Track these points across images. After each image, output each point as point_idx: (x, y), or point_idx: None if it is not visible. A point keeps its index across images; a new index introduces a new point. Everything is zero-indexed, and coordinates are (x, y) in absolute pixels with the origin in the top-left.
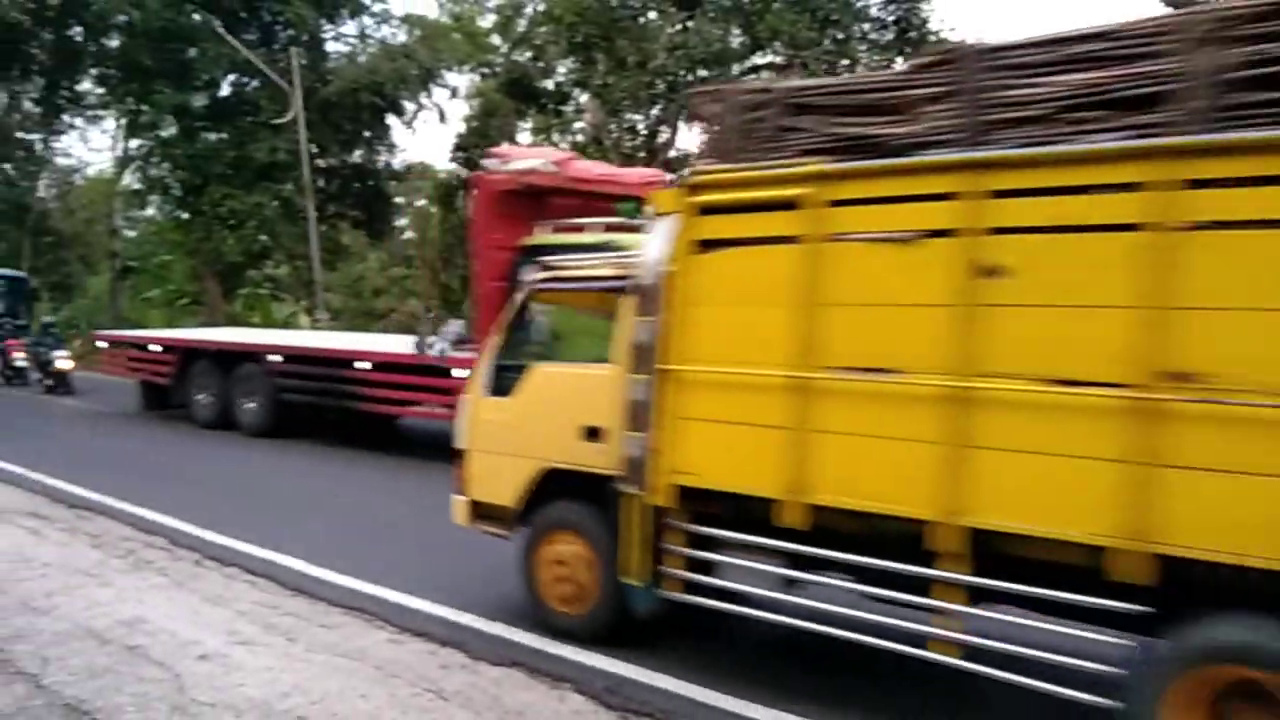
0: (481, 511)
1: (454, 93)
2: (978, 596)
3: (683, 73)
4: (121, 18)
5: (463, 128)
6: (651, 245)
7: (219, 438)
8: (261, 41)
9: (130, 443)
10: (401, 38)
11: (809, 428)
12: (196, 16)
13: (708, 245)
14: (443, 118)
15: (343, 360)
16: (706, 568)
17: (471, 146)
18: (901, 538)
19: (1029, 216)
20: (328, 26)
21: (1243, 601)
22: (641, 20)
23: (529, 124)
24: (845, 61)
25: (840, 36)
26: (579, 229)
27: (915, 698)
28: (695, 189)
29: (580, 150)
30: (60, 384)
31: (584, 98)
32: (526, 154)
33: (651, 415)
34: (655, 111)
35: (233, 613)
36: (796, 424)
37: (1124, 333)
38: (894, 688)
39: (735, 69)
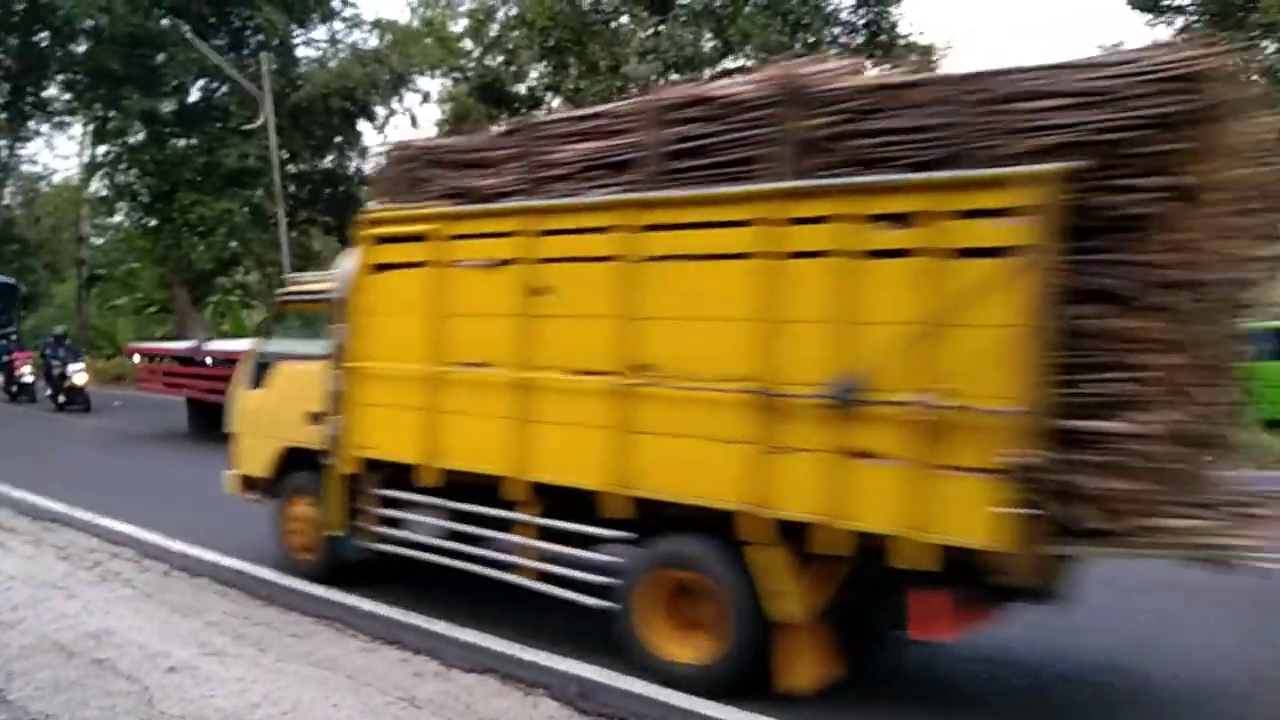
0: (248, 483)
1: (426, 97)
2: (543, 532)
3: (655, 76)
4: (89, 22)
5: (435, 132)
6: (345, 267)
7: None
8: (231, 47)
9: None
10: (373, 42)
11: (438, 409)
12: (165, 21)
13: (377, 268)
14: (414, 123)
15: None
16: (395, 522)
17: None
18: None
19: (560, 250)
20: (298, 31)
21: (682, 527)
22: (613, 24)
23: (501, 128)
24: None
25: (811, 40)
26: None
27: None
28: (368, 223)
29: None
30: (75, 400)
31: (556, 102)
32: None
33: (342, 402)
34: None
35: (202, 623)
36: (430, 406)
37: (611, 336)
38: (863, 698)
39: (707, 72)
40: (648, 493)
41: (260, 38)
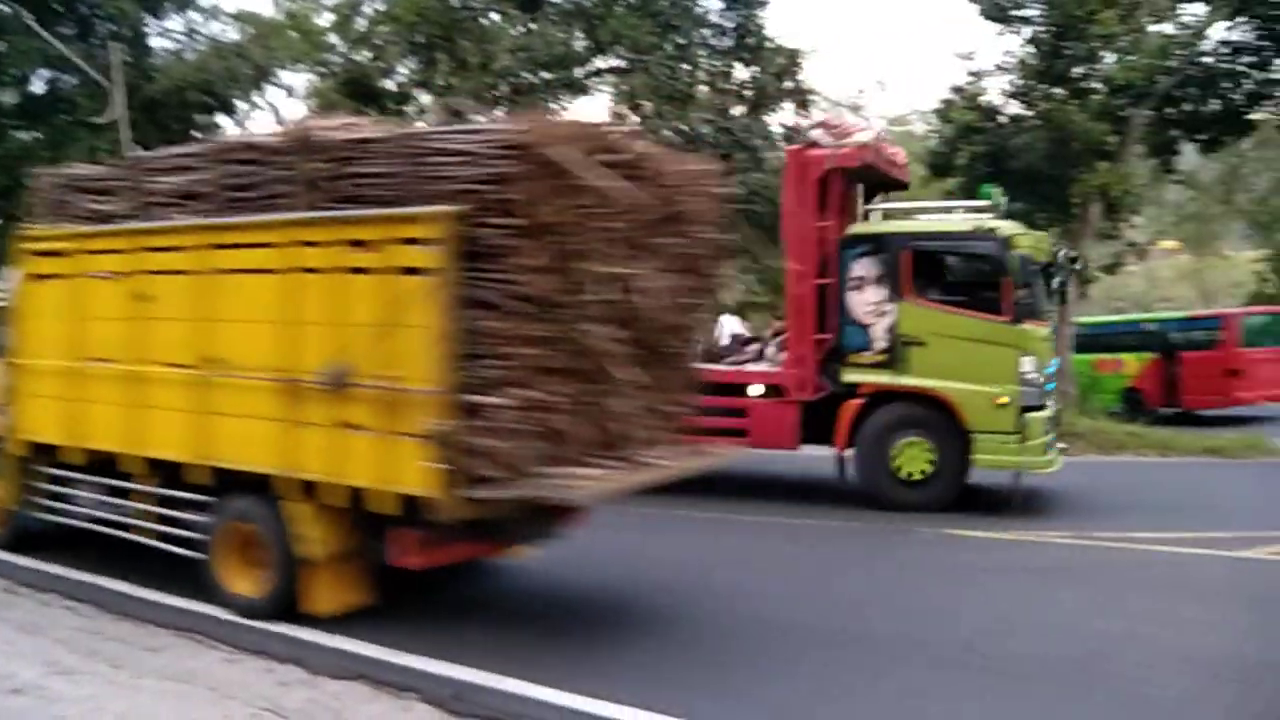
0: None
1: (289, 92)
2: (156, 498)
3: (526, 74)
4: None
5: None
6: (14, 275)
7: None
8: (79, 36)
9: None
10: (233, 35)
11: (78, 398)
12: (4, 8)
13: (34, 278)
14: (278, 118)
15: None
16: (57, 496)
17: None
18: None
19: (156, 264)
20: (151, 21)
21: (244, 489)
22: (483, 21)
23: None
24: (686, 66)
25: (681, 42)
26: (909, 214)
27: (779, 687)
28: (24, 240)
29: None
30: None
31: (426, 99)
32: (854, 126)
33: (11, 393)
34: (500, 113)
35: (50, 641)
36: (73, 395)
37: (191, 335)
38: (715, 673)
39: (578, 72)
40: (220, 463)
41: (111, 27)
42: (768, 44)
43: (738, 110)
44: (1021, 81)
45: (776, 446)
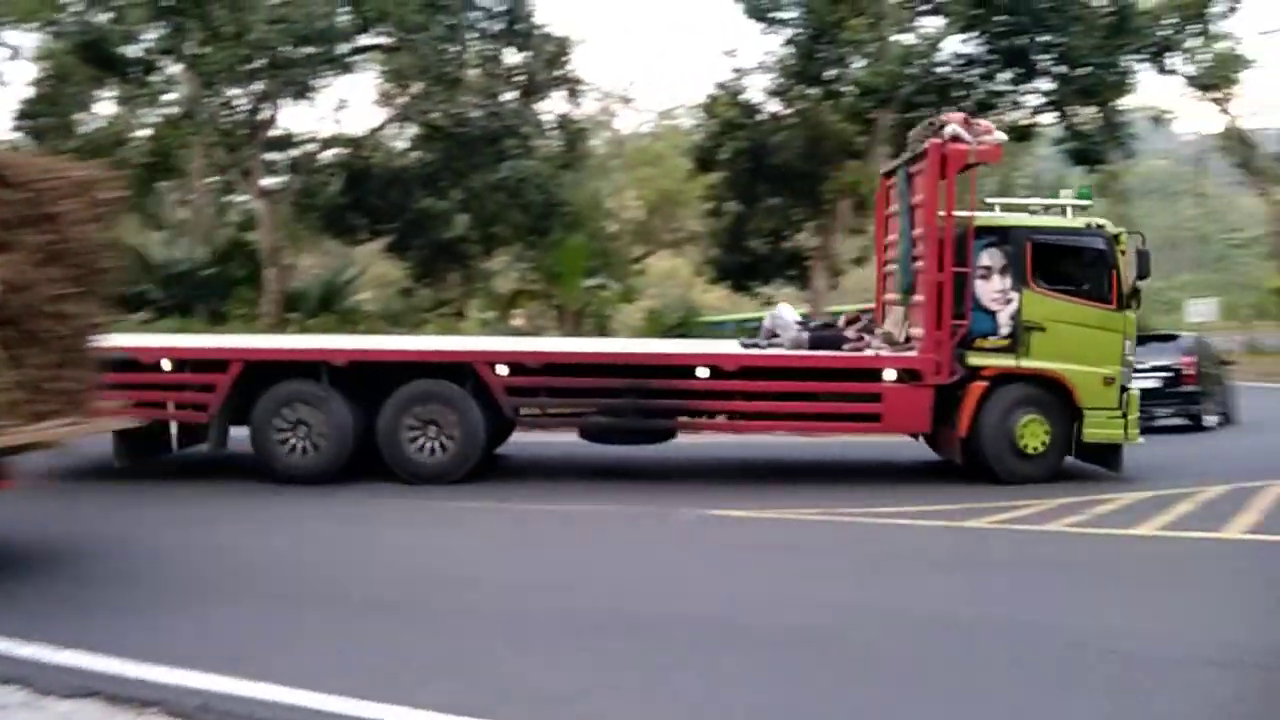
0: None
1: (15, 53)
2: None
3: (285, 48)
4: None
5: (30, 93)
6: None
7: None
8: None
9: None
10: None
11: None
12: None
13: None
14: (2, 81)
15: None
16: None
17: (40, 114)
18: None
19: None
20: None
21: None
22: None
23: (112, 93)
24: (455, 48)
25: (451, 23)
26: (1025, 209)
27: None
28: None
29: (173, 126)
30: None
31: (176, 68)
32: (987, 124)
33: None
34: (257, 87)
35: None
36: None
37: None
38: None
39: (342, 48)
40: None
41: None
42: (538, 30)
43: (509, 96)
44: (780, 80)
45: (911, 430)
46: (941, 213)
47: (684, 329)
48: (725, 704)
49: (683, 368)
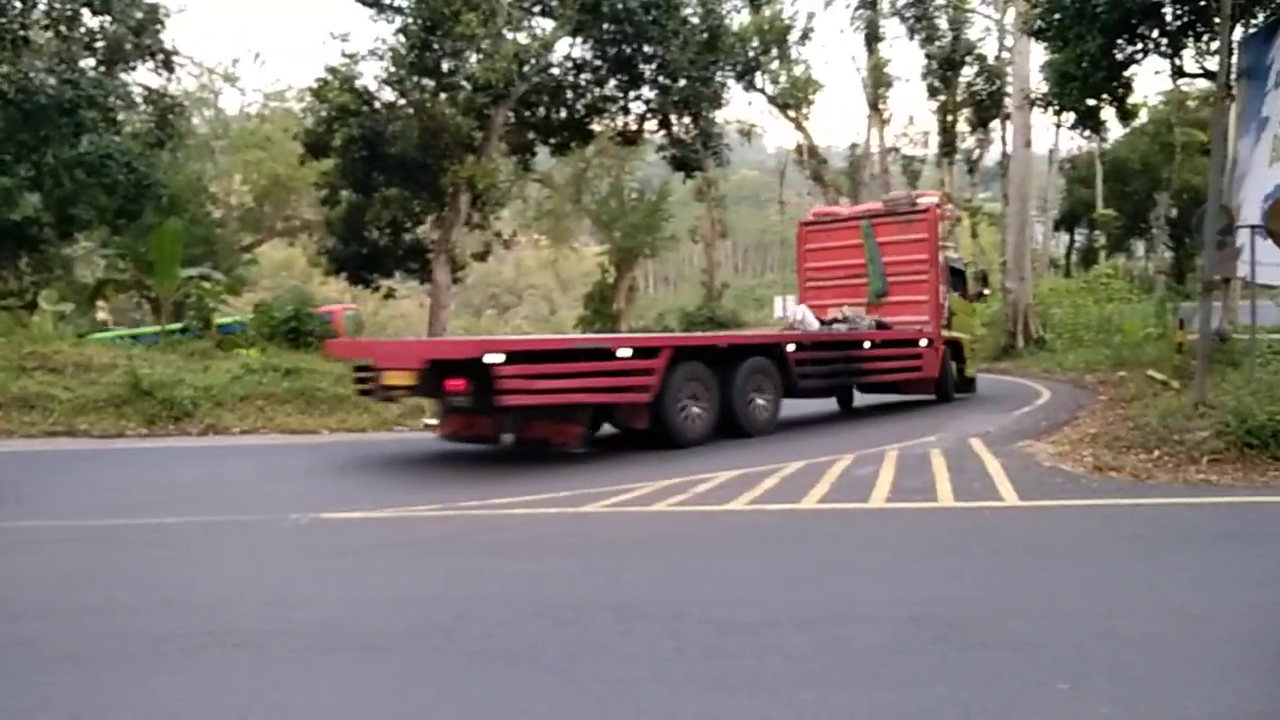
0: None
1: None
2: None
3: None
4: None
5: None
6: None
7: None
8: None
9: None
10: None
11: None
12: None
13: None
14: None
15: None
16: None
17: None
18: None
19: None
20: None
21: None
22: None
23: None
24: (17, 3)
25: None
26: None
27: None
28: None
29: None
30: None
31: None
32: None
33: None
34: None
35: None
36: None
37: None
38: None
39: None
40: None
41: None
42: None
43: (89, 63)
44: (394, 70)
45: (930, 375)
46: (948, 251)
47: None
48: (336, 716)
49: (858, 342)
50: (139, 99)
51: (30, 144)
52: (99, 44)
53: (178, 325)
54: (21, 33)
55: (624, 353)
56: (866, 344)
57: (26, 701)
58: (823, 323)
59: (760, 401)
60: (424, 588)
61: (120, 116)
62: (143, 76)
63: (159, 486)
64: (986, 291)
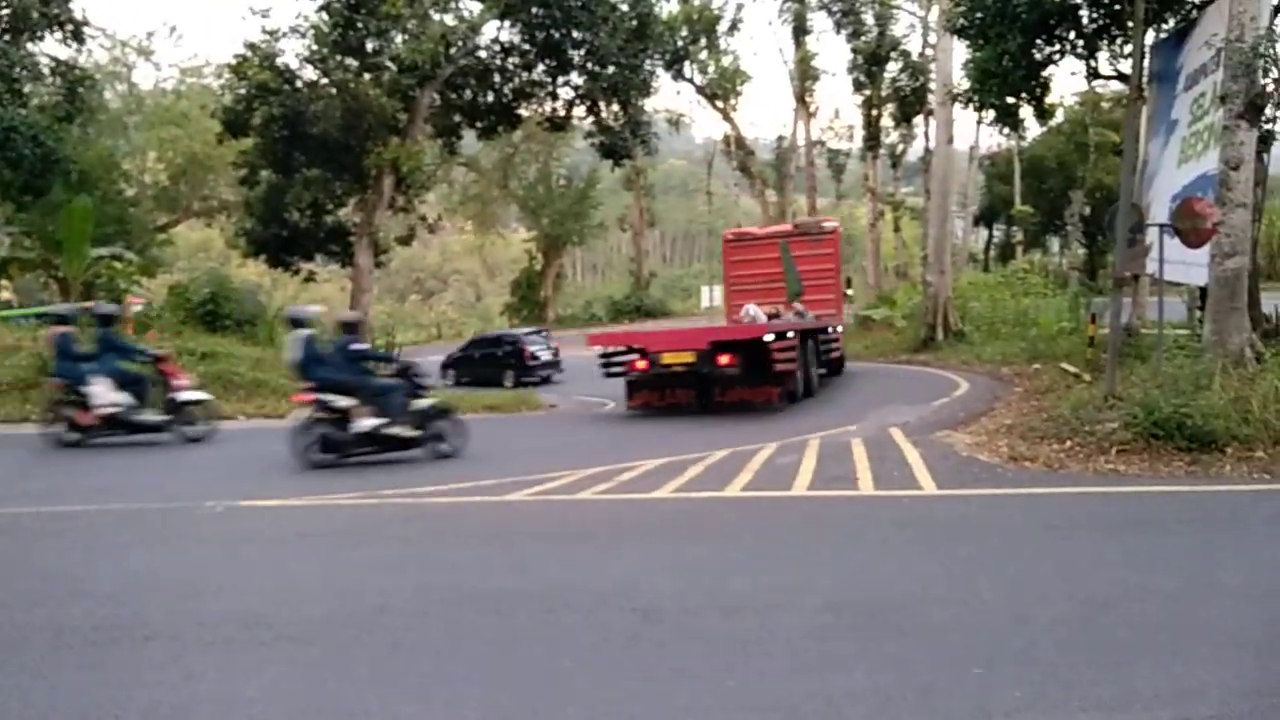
0: None
1: None
2: None
3: None
4: None
5: None
6: None
7: None
8: None
9: None
10: None
11: None
12: None
13: None
14: None
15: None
16: None
17: None
18: None
19: None
20: None
21: None
22: None
23: None
24: None
25: None
26: None
27: None
28: None
29: None
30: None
31: None
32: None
33: None
34: None
35: None
36: None
37: None
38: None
39: None
40: None
41: None
42: None
43: None
44: (316, 48)
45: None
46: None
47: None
48: (252, 710)
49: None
50: (46, 70)
51: None
52: (3, 12)
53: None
54: None
55: (791, 334)
56: (830, 330)
57: None
58: (770, 316)
59: (815, 369)
60: (345, 577)
61: (26, 89)
62: (50, 47)
63: (66, 474)
64: (850, 292)
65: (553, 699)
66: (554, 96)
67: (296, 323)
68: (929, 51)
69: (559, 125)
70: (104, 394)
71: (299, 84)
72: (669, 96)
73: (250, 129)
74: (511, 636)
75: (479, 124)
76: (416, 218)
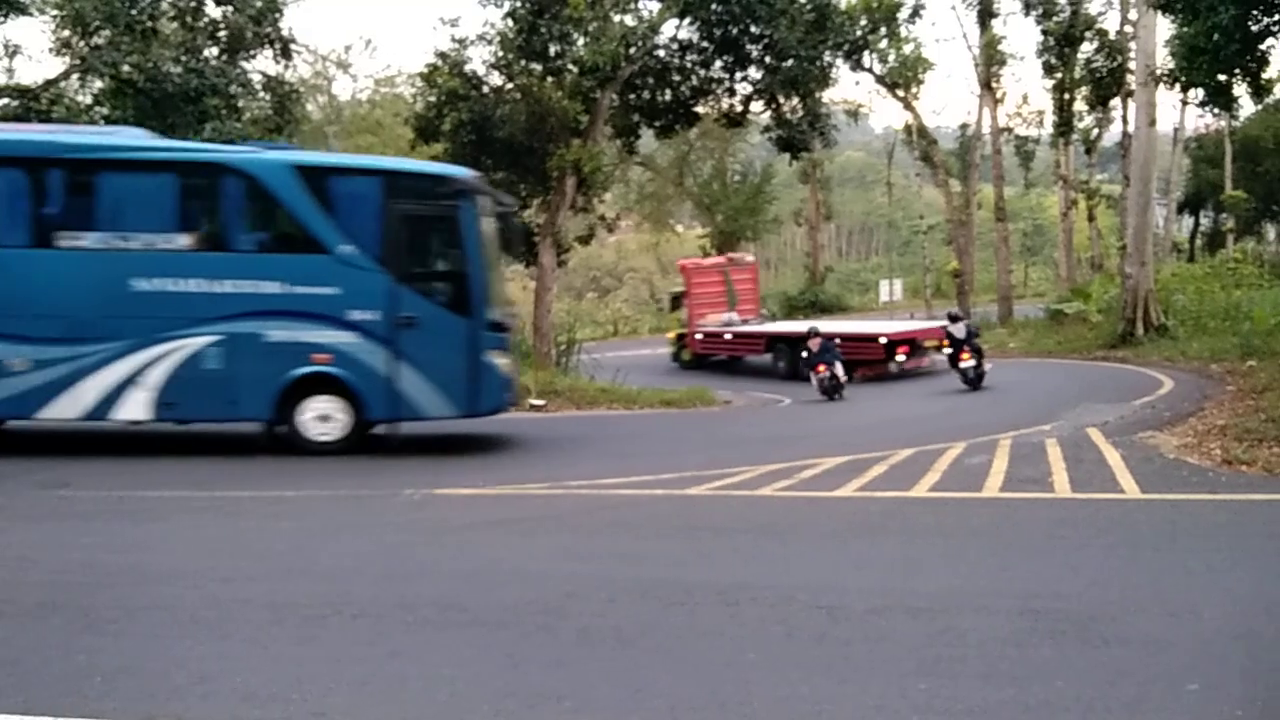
0: None
1: None
2: None
3: None
4: None
5: None
6: None
7: None
8: None
9: None
10: None
11: None
12: None
13: None
14: None
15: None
16: None
17: None
18: None
19: None
20: None
21: None
22: None
23: None
24: None
25: None
26: None
27: None
28: None
29: None
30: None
31: None
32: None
33: None
34: None
35: None
36: None
37: None
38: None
39: None
40: None
41: None
42: None
43: (211, 52)
44: (502, 54)
45: None
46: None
47: None
48: (453, 688)
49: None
50: (258, 86)
51: (158, 130)
52: (221, 33)
53: None
54: (150, 24)
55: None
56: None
57: (161, 663)
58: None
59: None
60: (534, 564)
61: (241, 103)
62: (262, 64)
63: (289, 458)
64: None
65: (739, 692)
66: (731, 93)
67: None
68: (1128, 29)
69: (736, 121)
70: None
71: (486, 89)
72: (848, 87)
73: (440, 135)
74: (697, 628)
75: (657, 123)
76: (596, 217)
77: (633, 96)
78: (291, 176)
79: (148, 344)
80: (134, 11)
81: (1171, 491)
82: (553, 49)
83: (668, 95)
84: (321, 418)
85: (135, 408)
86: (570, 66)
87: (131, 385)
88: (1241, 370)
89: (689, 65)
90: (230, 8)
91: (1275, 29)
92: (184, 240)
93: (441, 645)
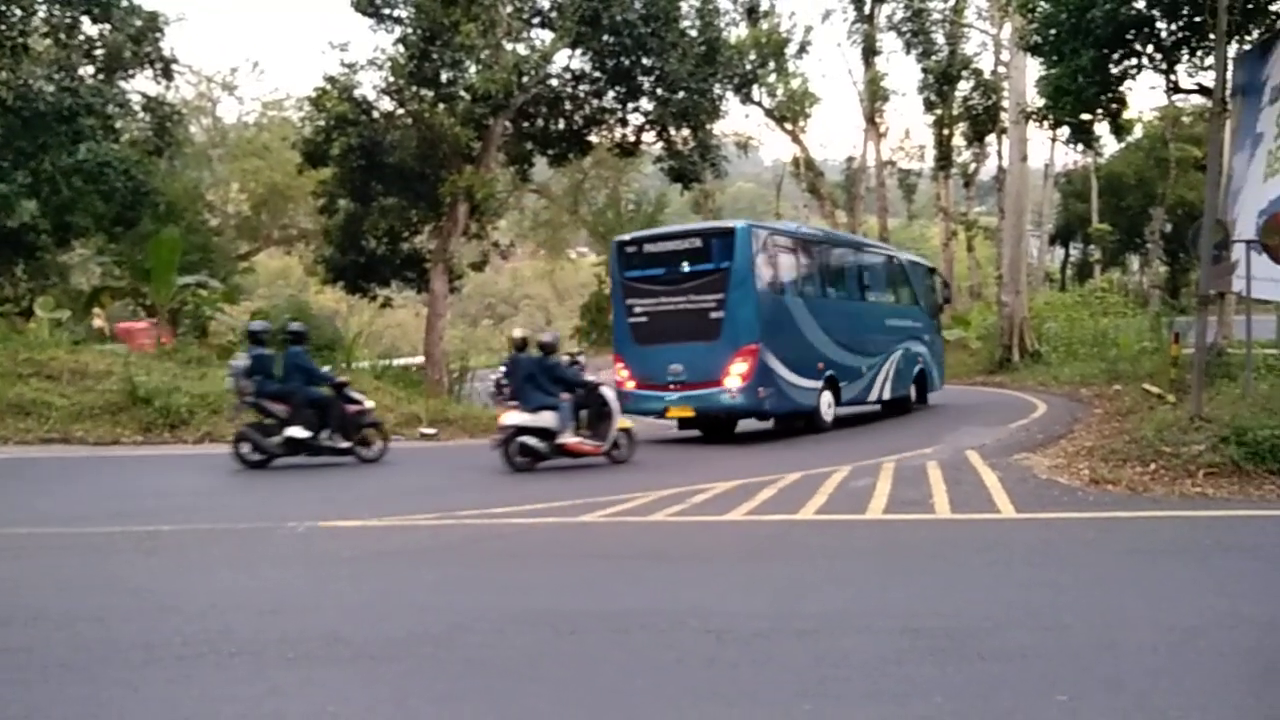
0: None
1: None
2: None
3: None
4: None
5: None
6: None
7: None
8: None
9: None
10: None
11: None
12: None
13: None
14: None
15: None
16: None
17: None
18: None
19: None
20: None
21: None
22: None
23: None
24: (18, 10)
25: None
26: None
27: None
28: None
29: None
30: None
31: None
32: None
33: None
34: None
35: None
36: None
37: None
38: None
39: None
40: None
41: None
42: (122, 1)
43: (87, 70)
44: (393, 79)
45: None
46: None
47: None
48: None
49: None
50: (137, 107)
51: (28, 151)
52: (98, 52)
53: None
54: (21, 40)
55: None
56: None
57: (22, 709)
58: None
59: None
60: (422, 596)
61: (119, 124)
62: (141, 84)
63: (155, 494)
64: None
65: None
66: (624, 123)
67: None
68: (1001, 69)
69: (629, 151)
70: (297, 417)
71: (376, 115)
72: (738, 120)
73: (329, 159)
74: (586, 657)
75: (550, 151)
76: (489, 244)
77: (526, 124)
78: None
79: None
80: (3, 27)
81: (1044, 510)
82: (445, 75)
83: (561, 124)
84: None
85: None
86: (462, 93)
87: None
88: (1108, 394)
89: (582, 95)
90: (108, 25)
91: (1133, 72)
92: None
93: (325, 681)
